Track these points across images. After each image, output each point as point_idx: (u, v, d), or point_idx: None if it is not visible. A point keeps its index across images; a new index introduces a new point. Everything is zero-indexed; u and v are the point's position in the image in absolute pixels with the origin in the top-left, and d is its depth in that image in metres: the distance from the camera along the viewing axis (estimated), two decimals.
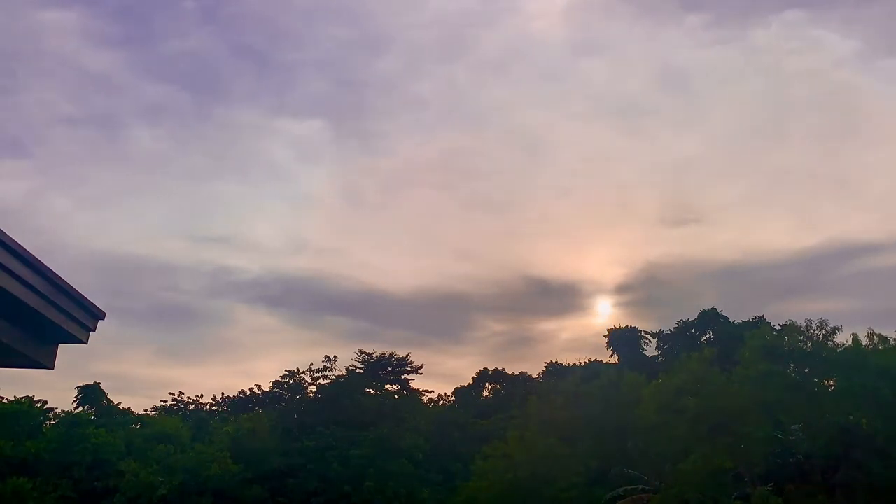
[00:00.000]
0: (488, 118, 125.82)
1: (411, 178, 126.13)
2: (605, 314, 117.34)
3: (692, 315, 65.28)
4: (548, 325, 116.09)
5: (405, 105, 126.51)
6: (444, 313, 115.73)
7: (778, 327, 43.18)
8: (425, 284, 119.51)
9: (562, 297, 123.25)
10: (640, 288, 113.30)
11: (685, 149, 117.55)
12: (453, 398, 73.42)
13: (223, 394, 76.25)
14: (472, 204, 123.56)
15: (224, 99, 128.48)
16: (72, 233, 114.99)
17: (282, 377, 69.54)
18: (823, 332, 37.00)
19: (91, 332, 6.62)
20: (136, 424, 58.87)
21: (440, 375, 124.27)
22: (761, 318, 52.98)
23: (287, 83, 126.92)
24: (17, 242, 5.25)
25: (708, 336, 61.78)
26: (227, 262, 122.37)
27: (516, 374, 74.91)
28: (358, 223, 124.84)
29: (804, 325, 37.66)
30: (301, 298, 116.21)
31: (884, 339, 36.59)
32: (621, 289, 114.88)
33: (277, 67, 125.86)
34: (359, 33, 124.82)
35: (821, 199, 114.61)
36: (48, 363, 6.54)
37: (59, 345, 6.60)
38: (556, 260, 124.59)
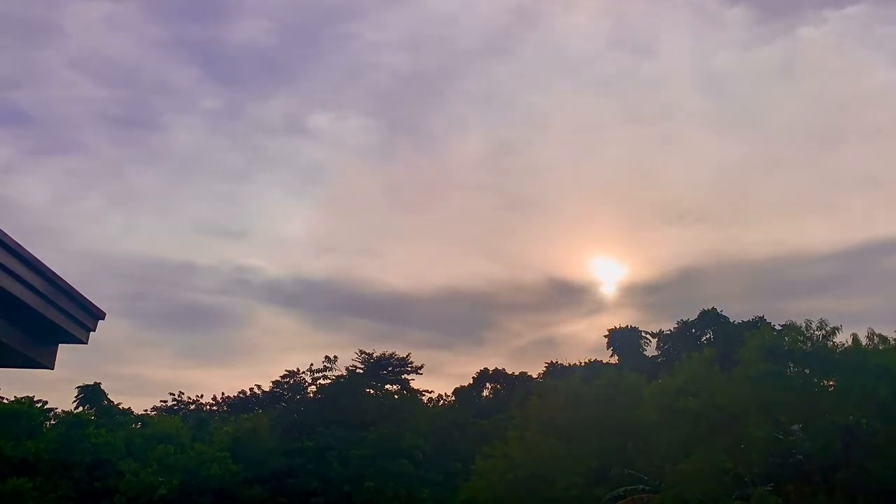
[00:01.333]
0: (530, 117, 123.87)
1: (450, 178, 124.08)
2: (635, 315, 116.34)
3: (693, 315, 65.42)
4: (575, 327, 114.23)
5: (448, 104, 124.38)
6: (469, 315, 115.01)
7: (778, 327, 43.14)
8: (453, 286, 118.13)
9: (591, 298, 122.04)
10: (674, 288, 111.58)
11: (727, 150, 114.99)
12: (453, 398, 73.45)
13: (223, 394, 76.33)
14: (509, 204, 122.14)
15: (258, 96, 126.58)
16: (100, 234, 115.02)
17: (282, 377, 69.59)
18: (823, 332, 37.00)
19: (91, 332, 6.62)
20: (136, 424, 58.86)
21: (462, 376, 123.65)
22: (761, 318, 52.98)
23: (323, 81, 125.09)
24: (17, 242, 5.25)
25: (708, 336, 61.77)
26: (251, 263, 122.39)
27: (516, 374, 74.96)
28: (391, 223, 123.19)
29: (804, 325, 37.65)
30: (326, 300, 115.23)
31: (884, 339, 36.57)
32: (652, 289, 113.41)
33: (311, 64, 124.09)
34: (397, 32, 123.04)
35: (875, 198, 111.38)
36: (48, 363, 6.54)
37: (59, 345, 6.60)
38: (587, 261, 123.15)
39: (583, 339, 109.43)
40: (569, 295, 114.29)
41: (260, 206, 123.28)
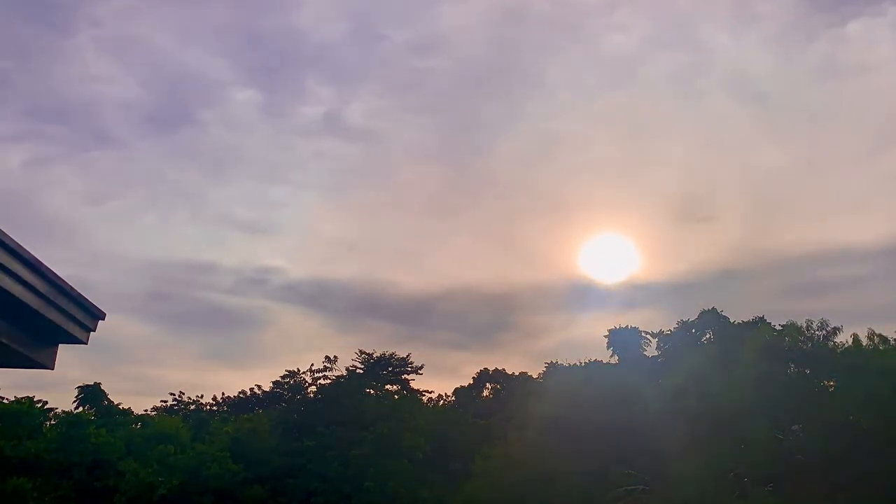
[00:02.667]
0: (569, 118, 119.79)
1: (486, 179, 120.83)
2: (670, 316, 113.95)
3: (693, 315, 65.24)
4: (603, 328, 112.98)
5: (489, 105, 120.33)
6: (495, 316, 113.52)
7: (778, 327, 43.15)
8: (478, 287, 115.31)
9: (620, 298, 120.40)
10: (709, 288, 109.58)
11: (766, 150, 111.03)
12: (453, 398, 73.46)
13: (223, 394, 76.38)
14: (541, 206, 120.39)
15: (295, 93, 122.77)
16: (125, 233, 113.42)
17: (282, 377, 69.60)
18: (824, 332, 37.06)
19: (91, 333, 6.62)
20: (137, 425, 58.90)
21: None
22: (761, 319, 52.90)
23: (363, 80, 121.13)
24: (17, 242, 5.25)
25: (708, 336, 61.66)
26: (276, 264, 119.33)
27: (516, 374, 74.97)
28: (419, 225, 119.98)
29: (804, 325, 37.71)
30: (351, 302, 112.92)
31: (884, 340, 36.61)
32: (686, 288, 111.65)
33: (352, 61, 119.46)
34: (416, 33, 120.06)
35: None
36: (48, 363, 6.54)
37: (59, 345, 6.60)
38: (617, 262, 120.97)
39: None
40: (597, 296, 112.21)
41: (291, 205, 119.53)
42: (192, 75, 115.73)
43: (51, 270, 5.67)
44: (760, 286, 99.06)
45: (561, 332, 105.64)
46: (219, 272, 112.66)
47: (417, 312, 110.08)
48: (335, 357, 65.61)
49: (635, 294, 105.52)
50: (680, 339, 62.93)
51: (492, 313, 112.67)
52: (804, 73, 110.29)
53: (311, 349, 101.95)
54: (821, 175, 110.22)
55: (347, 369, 65.39)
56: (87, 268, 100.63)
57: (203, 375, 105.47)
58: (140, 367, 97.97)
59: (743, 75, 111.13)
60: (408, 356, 71.74)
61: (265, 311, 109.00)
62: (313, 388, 65.31)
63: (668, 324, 62.14)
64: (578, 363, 61.19)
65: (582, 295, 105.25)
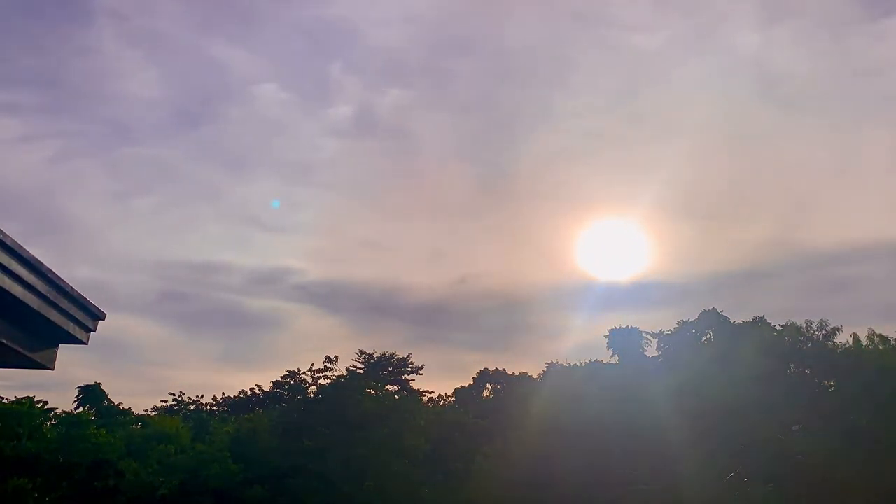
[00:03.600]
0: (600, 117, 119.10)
1: (511, 180, 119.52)
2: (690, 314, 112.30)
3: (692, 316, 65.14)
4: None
5: (525, 102, 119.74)
6: (515, 319, 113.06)
7: (778, 327, 43.17)
8: (501, 289, 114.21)
9: (648, 297, 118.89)
10: (738, 287, 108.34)
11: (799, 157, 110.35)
12: (453, 398, 73.45)
13: (223, 394, 76.45)
14: (573, 206, 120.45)
15: (322, 91, 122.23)
16: (145, 235, 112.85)
17: (282, 377, 69.65)
18: (824, 332, 37.07)
19: (91, 333, 6.63)
20: (137, 425, 58.94)
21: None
22: (762, 319, 52.92)
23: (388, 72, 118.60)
24: (17, 243, 5.25)
25: (708, 336, 61.64)
26: (294, 264, 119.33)
27: (516, 374, 74.94)
28: (443, 226, 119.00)
29: (804, 325, 37.73)
30: (369, 303, 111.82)
31: (884, 340, 36.62)
32: (716, 287, 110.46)
33: (380, 53, 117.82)
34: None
35: None
36: (48, 364, 6.55)
37: (60, 346, 6.61)
38: (643, 263, 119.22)
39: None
40: (619, 296, 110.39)
41: (312, 204, 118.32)
42: (217, 70, 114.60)
43: (51, 270, 5.67)
44: (791, 284, 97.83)
45: (583, 333, 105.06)
46: (235, 272, 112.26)
47: (435, 314, 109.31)
48: (335, 357, 65.62)
49: (659, 294, 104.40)
50: (680, 339, 62.89)
51: (511, 316, 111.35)
52: (834, 69, 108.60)
53: (328, 350, 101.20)
54: (854, 173, 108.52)
55: (347, 369, 65.41)
56: (104, 267, 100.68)
57: (218, 377, 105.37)
58: (155, 368, 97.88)
59: (772, 72, 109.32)
60: (408, 356, 71.82)
61: (282, 312, 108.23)
62: (313, 389, 65.37)
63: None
64: (578, 363, 61.13)
65: (605, 296, 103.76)
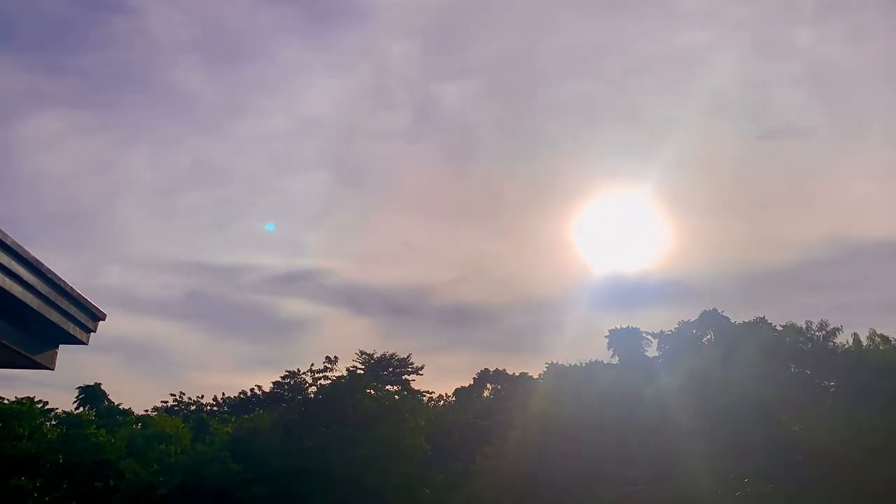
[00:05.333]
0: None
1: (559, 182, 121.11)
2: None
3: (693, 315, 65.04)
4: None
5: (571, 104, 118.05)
6: (545, 321, 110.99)
7: (779, 328, 43.17)
8: (534, 291, 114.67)
9: (676, 294, 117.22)
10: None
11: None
12: (454, 398, 73.45)
13: (223, 394, 76.45)
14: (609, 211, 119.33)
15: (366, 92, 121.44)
16: (176, 235, 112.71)
17: (282, 377, 69.69)
18: (823, 332, 37.08)
19: (91, 333, 6.63)
20: (137, 425, 58.94)
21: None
22: (762, 319, 52.94)
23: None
24: (17, 243, 5.25)
25: (709, 336, 61.65)
26: (327, 265, 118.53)
27: (517, 374, 74.93)
28: (486, 228, 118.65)
29: (805, 325, 37.74)
30: (400, 305, 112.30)
31: (885, 339, 36.61)
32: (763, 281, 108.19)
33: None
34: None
35: None
36: (49, 364, 6.54)
37: (60, 346, 6.60)
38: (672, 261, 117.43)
39: None
40: (650, 295, 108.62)
41: (348, 204, 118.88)
42: (266, 62, 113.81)
43: (51, 271, 5.67)
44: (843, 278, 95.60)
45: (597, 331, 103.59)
46: (264, 272, 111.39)
47: (467, 317, 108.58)
48: (335, 357, 65.72)
49: (673, 292, 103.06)
50: (680, 340, 62.90)
51: (541, 317, 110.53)
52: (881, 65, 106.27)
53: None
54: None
55: (348, 369, 65.47)
56: (134, 266, 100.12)
57: (248, 380, 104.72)
58: (184, 371, 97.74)
59: (823, 67, 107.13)
60: (408, 356, 71.86)
61: (312, 314, 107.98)
62: (313, 389, 65.39)
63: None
64: (579, 363, 61.11)
65: (632, 296, 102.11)
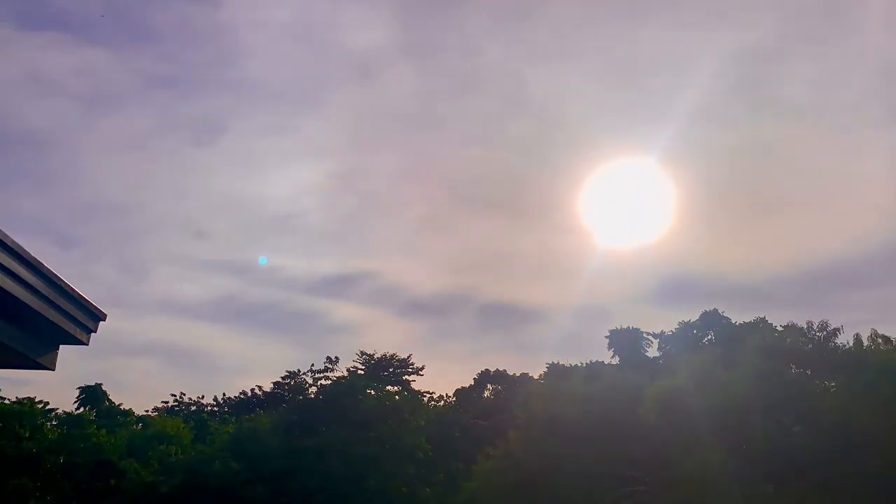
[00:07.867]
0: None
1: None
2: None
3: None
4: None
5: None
6: (587, 326, 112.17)
7: (779, 328, 43.14)
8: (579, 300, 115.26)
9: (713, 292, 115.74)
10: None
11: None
12: (454, 399, 73.44)
13: (224, 394, 76.48)
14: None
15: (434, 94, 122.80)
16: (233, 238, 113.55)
17: (283, 378, 69.71)
18: (824, 332, 37.07)
19: (92, 334, 6.63)
20: (137, 425, 58.98)
21: None
22: (762, 319, 52.95)
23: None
24: (17, 243, 5.25)
25: (710, 337, 61.66)
26: (371, 267, 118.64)
27: (517, 374, 74.90)
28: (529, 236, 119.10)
29: (805, 325, 37.73)
30: (446, 310, 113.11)
31: (886, 340, 36.56)
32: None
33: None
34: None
35: None
36: (49, 364, 6.55)
37: (60, 346, 6.61)
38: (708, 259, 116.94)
39: None
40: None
41: (401, 215, 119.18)
42: (342, 53, 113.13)
43: (51, 271, 5.67)
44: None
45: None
46: (310, 274, 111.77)
47: (517, 321, 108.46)
48: (336, 357, 65.83)
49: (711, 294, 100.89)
50: (681, 340, 62.88)
51: (587, 323, 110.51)
52: None
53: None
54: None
55: (348, 370, 65.55)
56: (177, 265, 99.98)
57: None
58: (225, 375, 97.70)
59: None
60: (408, 357, 71.86)
61: (355, 316, 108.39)
62: (314, 389, 65.41)
63: None
64: (579, 364, 61.00)
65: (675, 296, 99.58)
